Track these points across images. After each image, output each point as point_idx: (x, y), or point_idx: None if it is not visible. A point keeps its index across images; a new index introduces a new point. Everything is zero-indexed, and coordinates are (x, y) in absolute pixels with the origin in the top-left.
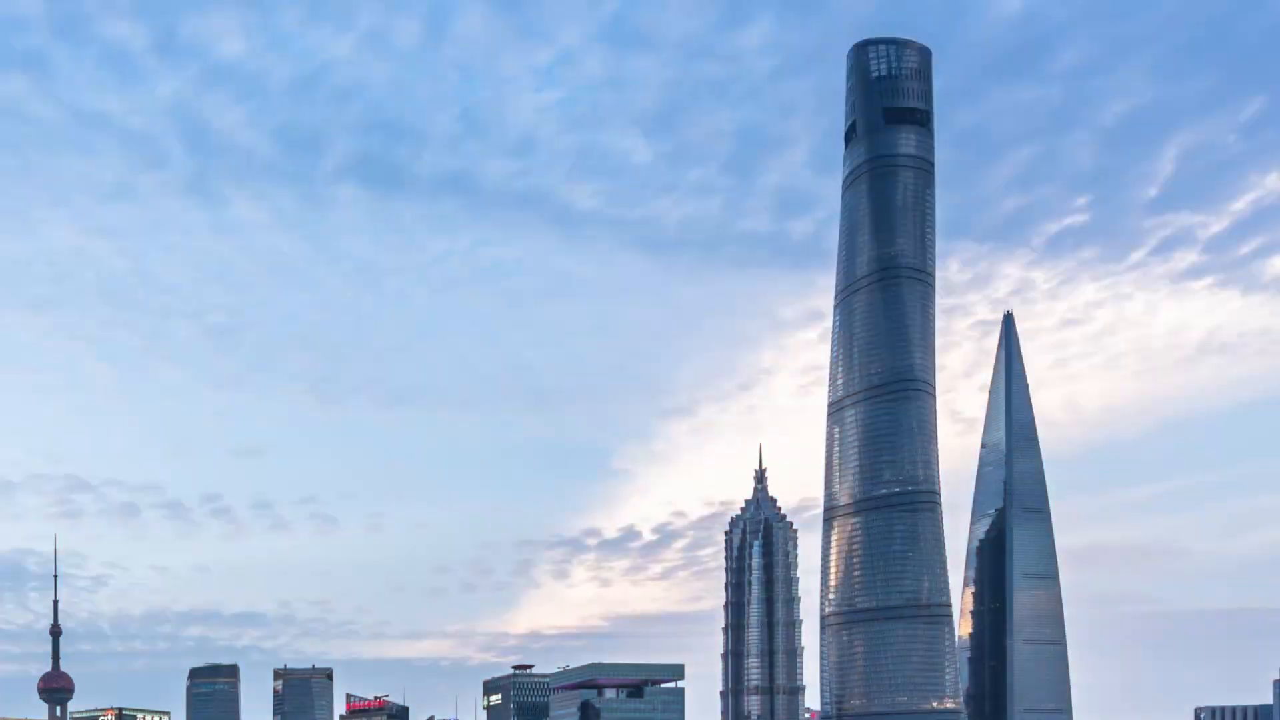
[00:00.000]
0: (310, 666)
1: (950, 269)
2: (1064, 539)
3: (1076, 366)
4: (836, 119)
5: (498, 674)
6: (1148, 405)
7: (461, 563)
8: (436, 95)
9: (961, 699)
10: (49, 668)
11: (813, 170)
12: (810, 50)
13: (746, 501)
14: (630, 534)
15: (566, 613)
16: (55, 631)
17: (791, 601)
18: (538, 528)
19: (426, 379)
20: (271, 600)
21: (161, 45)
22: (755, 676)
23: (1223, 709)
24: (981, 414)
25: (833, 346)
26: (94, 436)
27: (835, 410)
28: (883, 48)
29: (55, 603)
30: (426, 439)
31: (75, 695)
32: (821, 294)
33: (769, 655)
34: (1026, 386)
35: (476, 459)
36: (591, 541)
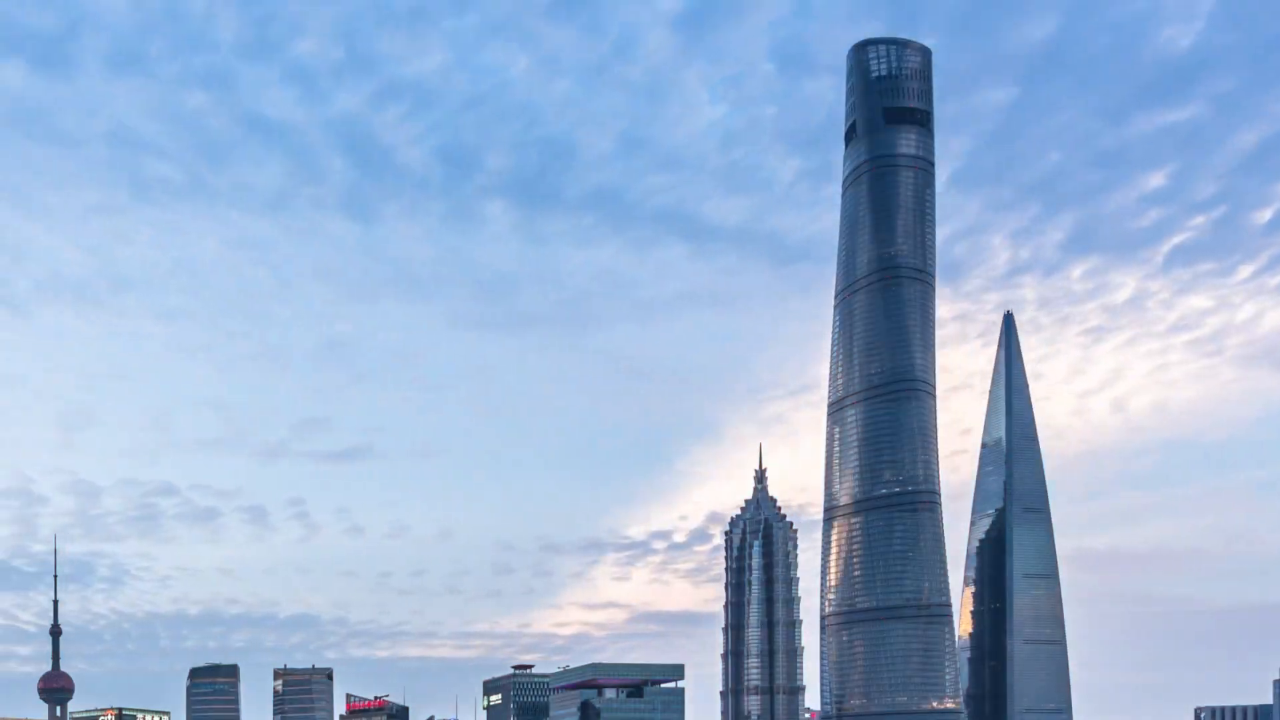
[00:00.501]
0: (310, 666)
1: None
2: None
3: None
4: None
5: (498, 674)
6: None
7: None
8: (600, 113)
9: (961, 699)
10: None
11: None
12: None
13: (746, 501)
14: None
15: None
16: (55, 631)
17: (791, 601)
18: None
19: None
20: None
21: (345, 62)
22: (755, 676)
23: (1223, 709)
24: (982, 414)
25: (833, 346)
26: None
27: (835, 410)
28: (883, 48)
29: (55, 602)
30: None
31: (75, 695)
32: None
33: (769, 655)
34: (1026, 386)
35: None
36: None
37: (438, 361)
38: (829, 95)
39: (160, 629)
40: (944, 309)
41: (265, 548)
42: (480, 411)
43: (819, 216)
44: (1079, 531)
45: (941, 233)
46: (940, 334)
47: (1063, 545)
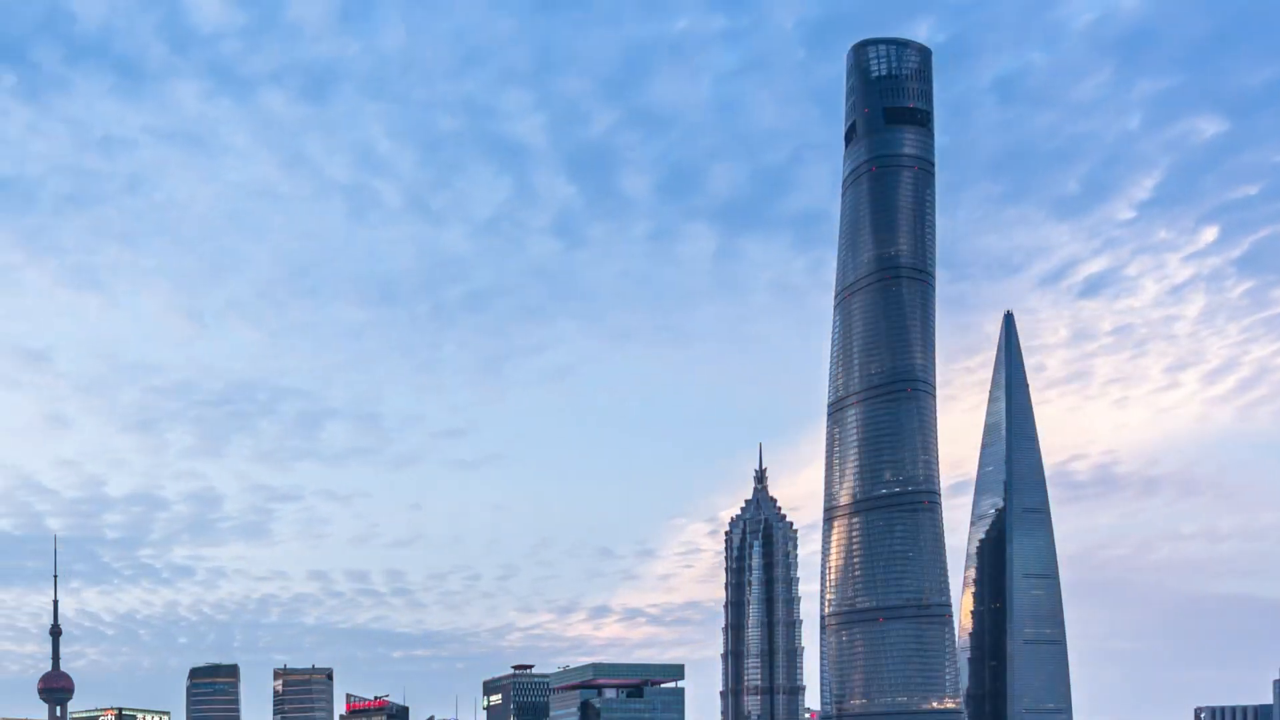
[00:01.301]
0: (310, 666)
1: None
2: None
3: None
4: None
5: (498, 674)
6: None
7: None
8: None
9: (961, 699)
10: None
11: None
12: None
13: (746, 502)
14: None
15: None
16: (55, 631)
17: (791, 601)
18: None
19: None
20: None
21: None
22: (755, 676)
23: (1223, 709)
24: (982, 414)
25: (832, 346)
26: None
27: (835, 410)
28: (883, 48)
29: (55, 602)
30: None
31: (75, 695)
32: None
33: (769, 655)
34: (1027, 386)
35: None
36: None
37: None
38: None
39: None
40: (944, 308)
41: None
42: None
43: None
44: (1079, 531)
45: (942, 231)
46: (940, 334)
47: (1063, 545)
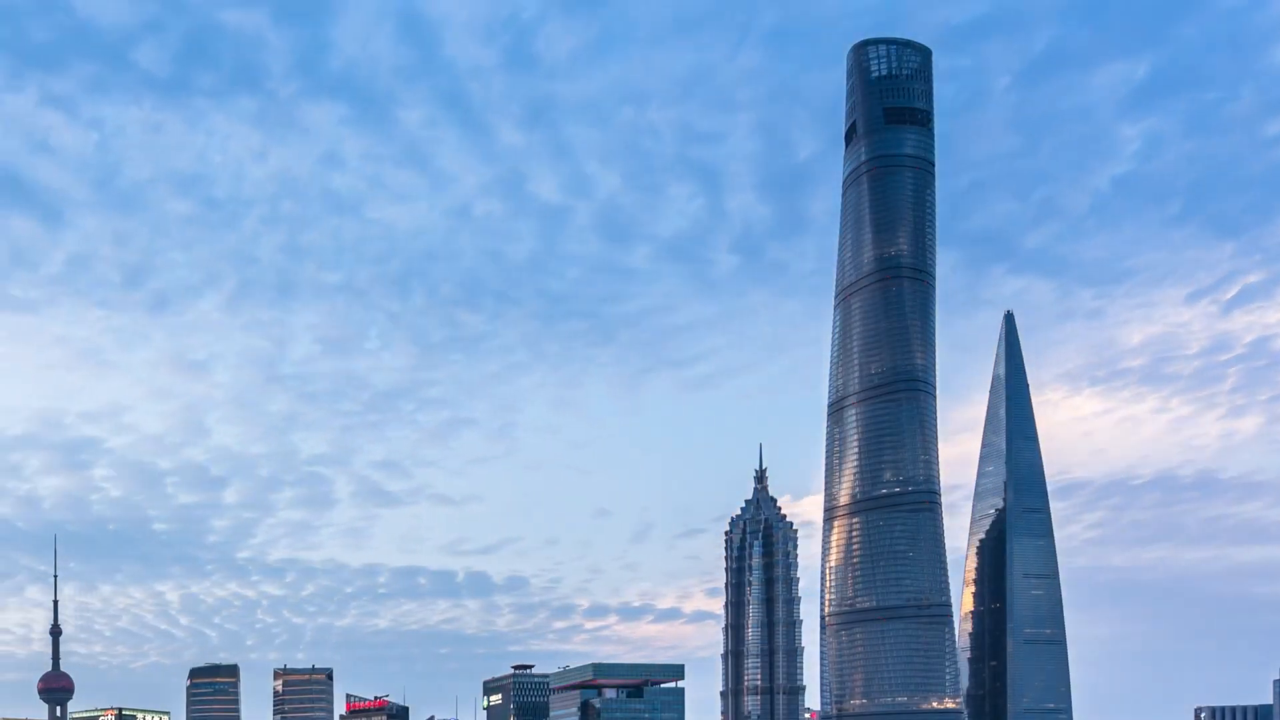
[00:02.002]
0: (310, 666)
1: None
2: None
3: None
4: None
5: (498, 674)
6: None
7: None
8: None
9: (961, 699)
10: None
11: None
12: None
13: (746, 501)
14: None
15: None
16: (55, 631)
17: (791, 601)
18: None
19: None
20: None
21: None
22: (755, 676)
23: (1223, 709)
24: (982, 414)
25: (832, 346)
26: None
27: (835, 410)
28: (883, 48)
29: (55, 603)
30: None
31: (75, 695)
32: None
33: (769, 655)
34: (1027, 386)
35: None
36: None
37: None
38: None
39: None
40: (945, 308)
41: None
42: None
43: None
44: (1079, 531)
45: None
46: (940, 333)
47: (1063, 545)
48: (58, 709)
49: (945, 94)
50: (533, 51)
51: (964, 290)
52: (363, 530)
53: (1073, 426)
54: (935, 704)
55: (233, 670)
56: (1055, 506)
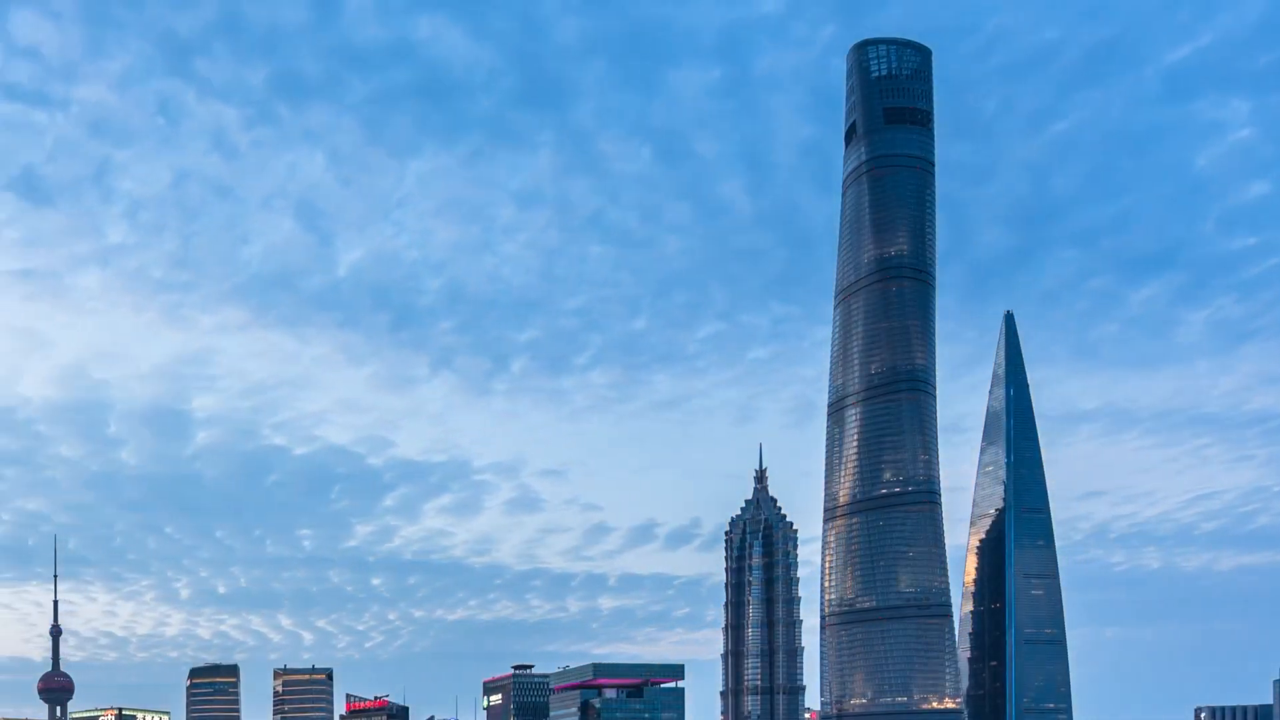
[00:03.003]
0: (310, 666)
1: None
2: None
3: None
4: None
5: (498, 674)
6: None
7: None
8: None
9: (961, 699)
10: None
11: None
12: None
13: (746, 501)
14: None
15: None
16: (55, 631)
17: (791, 601)
18: None
19: None
20: None
21: None
22: (755, 676)
23: (1223, 709)
24: (982, 414)
25: (832, 346)
26: None
27: (835, 410)
28: (883, 48)
29: (55, 603)
30: None
31: (75, 695)
32: None
33: (769, 655)
34: (1027, 385)
35: None
36: None
37: None
38: None
39: None
40: (945, 308)
41: None
42: None
43: None
44: (1079, 531)
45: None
46: (940, 333)
47: (1063, 545)
48: (58, 709)
49: (946, 94)
50: None
51: (964, 290)
52: None
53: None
54: (935, 704)
55: (233, 670)
56: (1055, 505)
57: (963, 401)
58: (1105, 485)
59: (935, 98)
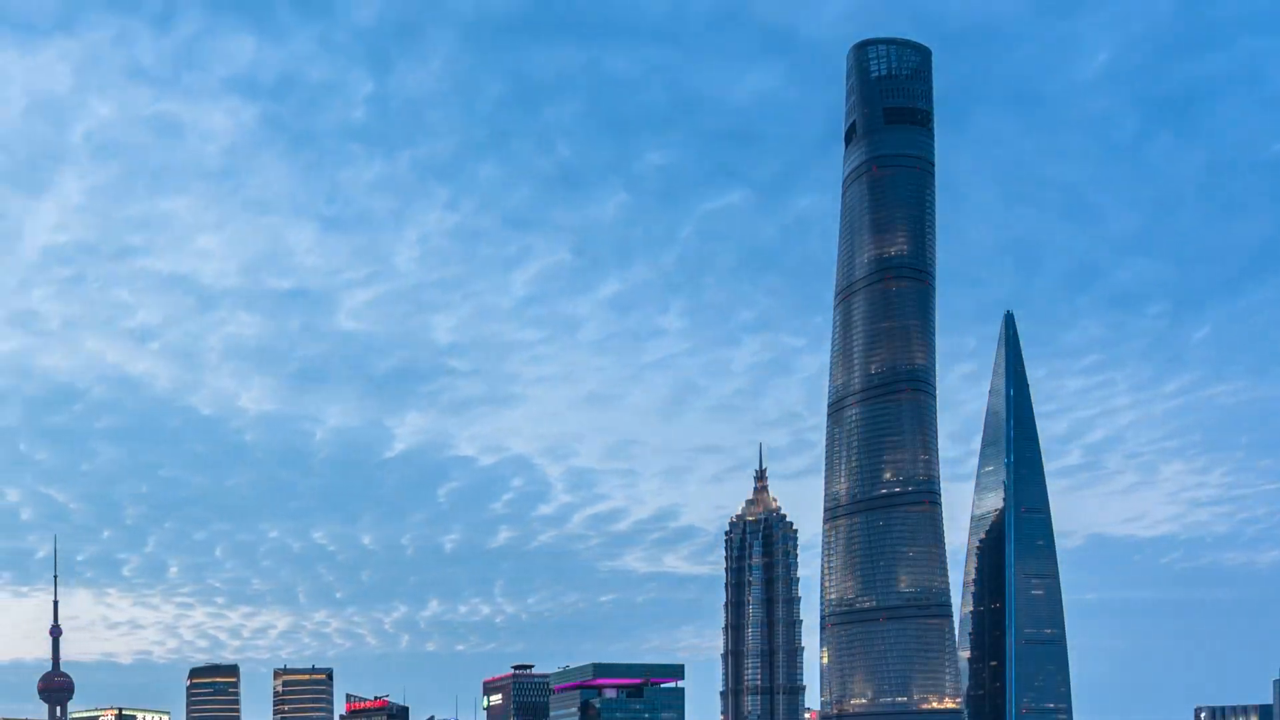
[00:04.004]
0: (310, 666)
1: None
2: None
3: None
4: None
5: (498, 674)
6: None
7: None
8: None
9: (961, 699)
10: None
11: None
12: None
13: (747, 501)
14: None
15: None
16: (55, 631)
17: (791, 601)
18: None
19: None
20: None
21: None
22: (755, 676)
23: (1223, 709)
24: (981, 414)
25: (832, 346)
26: None
27: (835, 410)
28: (883, 48)
29: (55, 603)
30: None
31: (75, 695)
32: None
33: (769, 655)
34: (1027, 385)
35: None
36: None
37: None
38: None
39: None
40: (945, 308)
41: None
42: None
43: None
44: (1079, 531)
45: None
46: (940, 333)
47: (1063, 545)
48: (58, 709)
49: (946, 93)
50: None
51: (964, 290)
52: None
53: None
54: (935, 704)
55: (233, 670)
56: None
57: (962, 401)
58: (1105, 485)
59: (935, 97)
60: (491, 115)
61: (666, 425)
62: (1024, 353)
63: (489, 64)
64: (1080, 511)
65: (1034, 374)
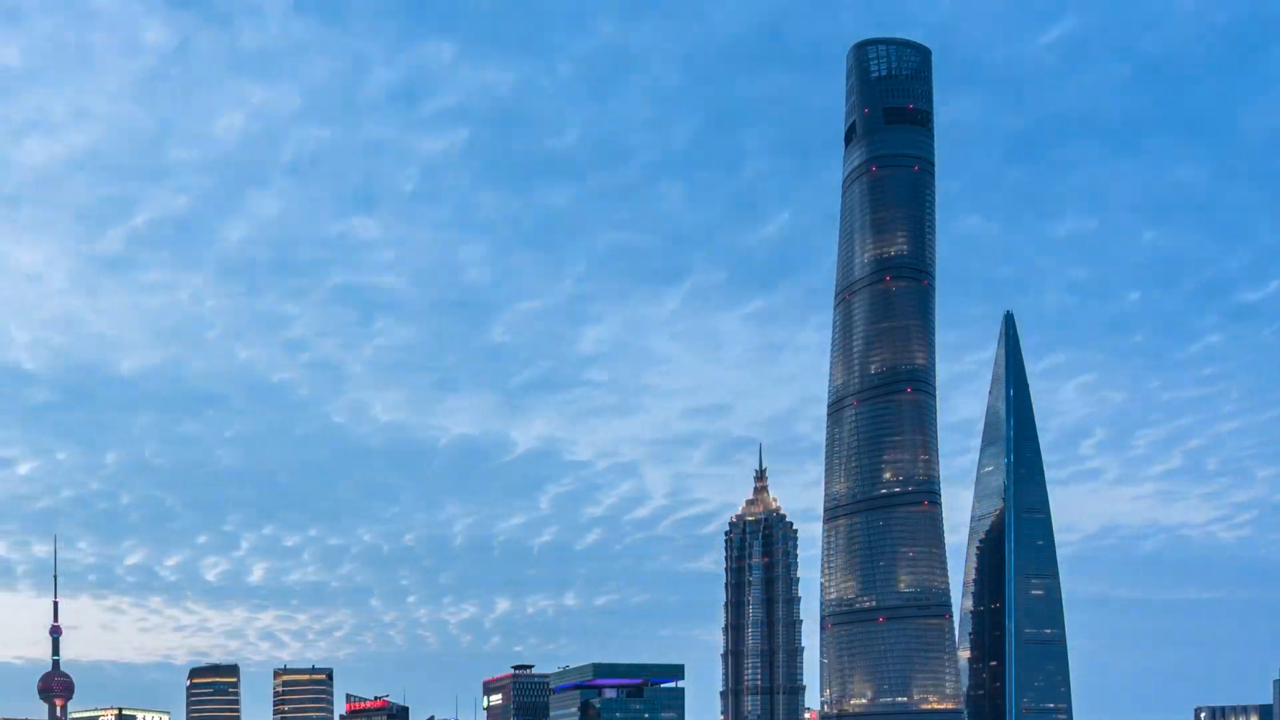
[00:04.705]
0: (310, 666)
1: None
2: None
3: None
4: None
5: (498, 674)
6: None
7: None
8: None
9: (961, 699)
10: None
11: None
12: None
13: (747, 501)
14: None
15: None
16: (55, 631)
17: (791, 601)
18: None
19: None
20: None
21: None
22: (755, 676)
23: (1223, 709)
24: (982, 414)
25: (832, 346)
26: None
27: (835, 410)
28: (883, 48)
29: (55, 603)
30: None
31: (75, 695)
32: None
33: (769, 655)
34: (1027, 385)
35: None
36: None
37: None
38: None
39: None
40: (945, 308)
41: None
42: None
43: None
44: (1079, 531)
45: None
46: (941, 333)
47: (1063, 545)
48: (58, 709)
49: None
50: None
51: (964, 290)
52: None
53: None
54: (935, 704)
55: (233, 670)
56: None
57: (962, 401)
58: (1105, 484)
59: (935, 97)
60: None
61: None
62: (1024, 353)
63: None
64: (1081, 511)
65: (1034, 373)
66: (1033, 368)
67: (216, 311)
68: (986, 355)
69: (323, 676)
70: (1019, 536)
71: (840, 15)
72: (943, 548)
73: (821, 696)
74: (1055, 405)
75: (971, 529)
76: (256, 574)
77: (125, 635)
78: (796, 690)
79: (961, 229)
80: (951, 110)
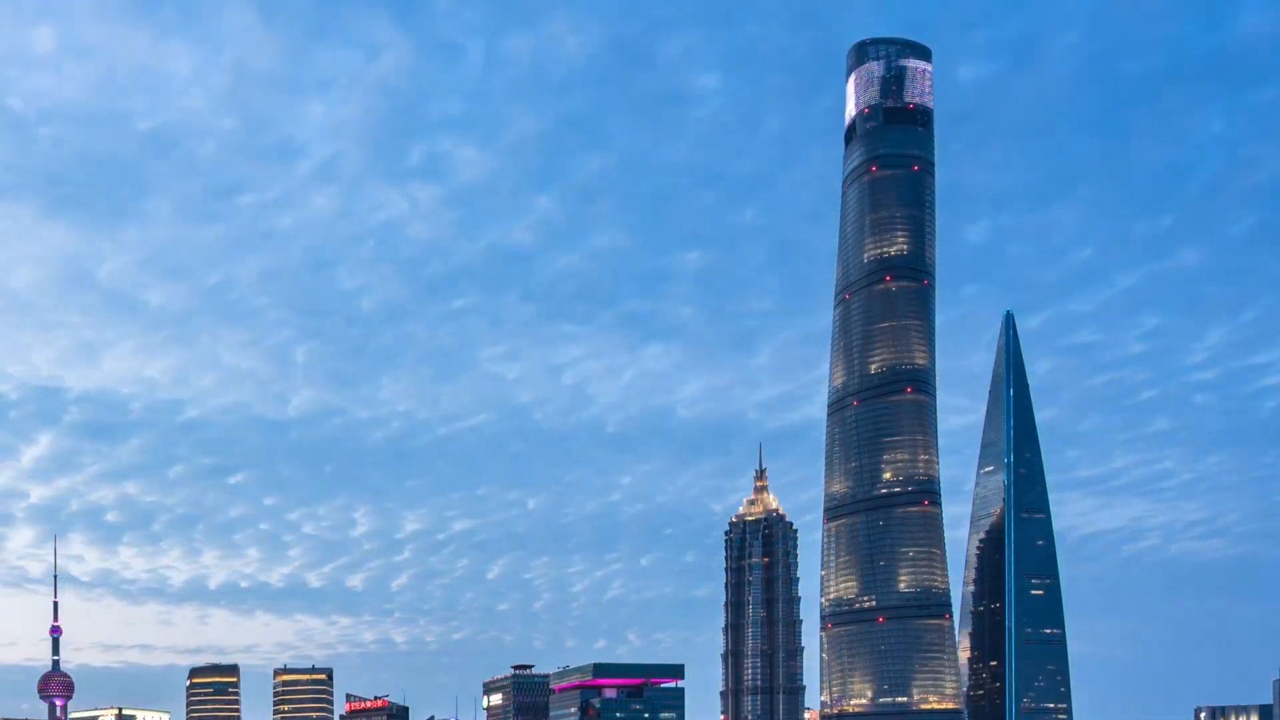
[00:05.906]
0: (310, 666)
1: None
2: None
3: None
4: None
5: (497, 674)
6: None
7: None
8: None
9: (961, 699)
10: None
11: None
12: None
13: (747, 501)
14: None
15: None
16: (55, 631)
17: (791, 601)
18: None
19: None
20: None
21: None
22: (755, 676)
23: (1223, 709)
24: (982, 414)
25: (832, 345)
26: None
27: (835, 409)
28: (883, 47)
29: (55, 604)
30: None
31: (75, 695)
32: None
33: (769, 655)
34: (1027, 385)
35: None
36: None
37: None
38: None
39: None
40: (945, 308)
41: None
42: None
43: None
44: (1079, 531)
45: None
46: (941, 333)
47: (1063, 545)
48: (58, 709)
49: (946, 93)
50: None
51: (964, 290)
52: None
53: None
54: (935, 704)
55: (233, 670)
56: (1055, 505)
57: (962, 401)
58: (1105, 485)
59: (935, 97)
60: None
61: None
62: (1024, 353)
63: None
64: (1081, 511)
65: (1034, 373)
66: (1033, 368)
67: None
68: (987, 355)
69: (323, 676)
70: (1019, 536)
71: (840, 15)
72: (943, 548)
73: (821, 696)
74: (1055, 405)
75: (971, 529)
76: (256, 574)
77: (125, 635)
78: (796, 690)
79: (961, 228)
80: (952, 110)
